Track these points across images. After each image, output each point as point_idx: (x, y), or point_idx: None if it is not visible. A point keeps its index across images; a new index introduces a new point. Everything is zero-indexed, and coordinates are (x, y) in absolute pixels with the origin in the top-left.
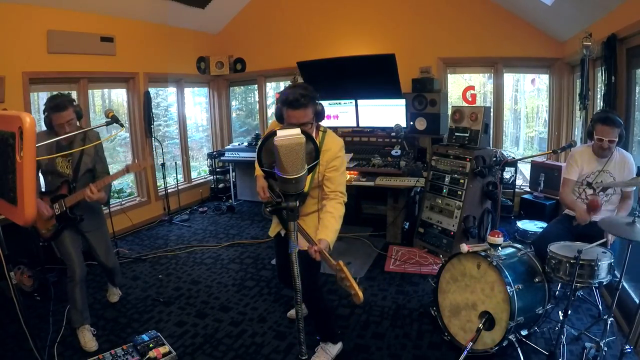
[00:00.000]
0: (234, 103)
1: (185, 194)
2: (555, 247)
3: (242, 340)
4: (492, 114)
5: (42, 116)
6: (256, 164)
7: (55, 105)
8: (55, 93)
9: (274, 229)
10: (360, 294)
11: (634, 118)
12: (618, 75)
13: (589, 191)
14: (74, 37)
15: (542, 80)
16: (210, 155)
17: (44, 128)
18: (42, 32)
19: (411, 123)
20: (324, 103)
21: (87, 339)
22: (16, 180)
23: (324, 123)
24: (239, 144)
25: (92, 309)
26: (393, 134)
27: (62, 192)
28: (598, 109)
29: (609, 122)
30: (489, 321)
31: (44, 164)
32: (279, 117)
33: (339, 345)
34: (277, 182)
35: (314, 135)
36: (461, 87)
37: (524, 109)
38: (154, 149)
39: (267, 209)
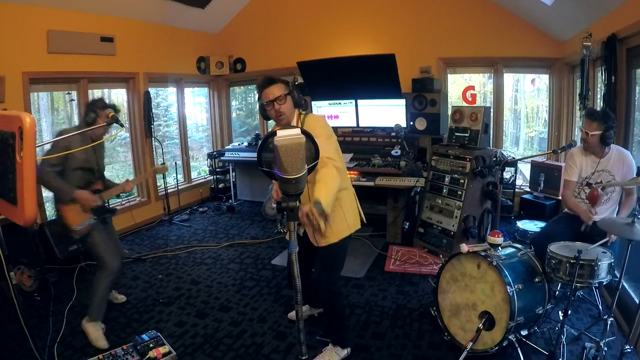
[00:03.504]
0: (234, 103)
1: (185, 194)
2: (555, 247)
3: (242, 340)
4: (492, 114)
5: (42, 116)
6: None
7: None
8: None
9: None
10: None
11: (634, 118)
12: (618, 75)
13: (588, 191)
14: (74, 37)
15: (542, 80)
16: (210, 155)
17: (44, 128)
18: (42, 32)
19: (411, 123)
20: (324, 103)
21: (99, 335)
22: (16, 180)
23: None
24: (239, 144)
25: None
26: (393, 134)
27: (97, 187)
28: (597, 109)
29: (589, 116)
30: (489, 321)
31: (83, 160)
32: (263, 111)
33: (347, 350)
34: (277, 182)
35: (295, 119)
36: (461, 87)
37: (524, 109)
38: (154, 149)
39: (273, 205)
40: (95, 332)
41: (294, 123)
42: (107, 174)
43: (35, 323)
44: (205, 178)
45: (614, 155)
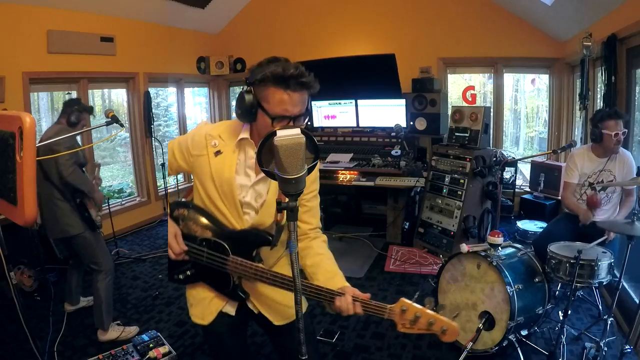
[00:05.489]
0: (233, 103)
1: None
2: (555, 247)
3: None
4: (492, 114)
5: (42, 116)
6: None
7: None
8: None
9: (211, 307)
10: (455, 324)
11: (634, 118)
12: (618, 75)
13: (590, 192)
14: (74, 37)
15: (542, 80)
16: None
17: (44, 128)
18: (42, 32)
19: (411, 123)
20: (324, 103)
21: (123, 330)
22: (16, 180)
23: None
24: None
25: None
26: (393, 134)
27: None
28: (598, 109)
29: (617, 116)
30: (489, 321)
31: (83, 157)
32: (249, 109)
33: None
34: (274, 184)
35: None
36: (461, 87)
37: (524, 109)
38: (154, 149)
39: (181, 276)
40: (117, 332)
41: None
42: (107, 174)
43: (35, 323)
44: None
45: (617, 155)
